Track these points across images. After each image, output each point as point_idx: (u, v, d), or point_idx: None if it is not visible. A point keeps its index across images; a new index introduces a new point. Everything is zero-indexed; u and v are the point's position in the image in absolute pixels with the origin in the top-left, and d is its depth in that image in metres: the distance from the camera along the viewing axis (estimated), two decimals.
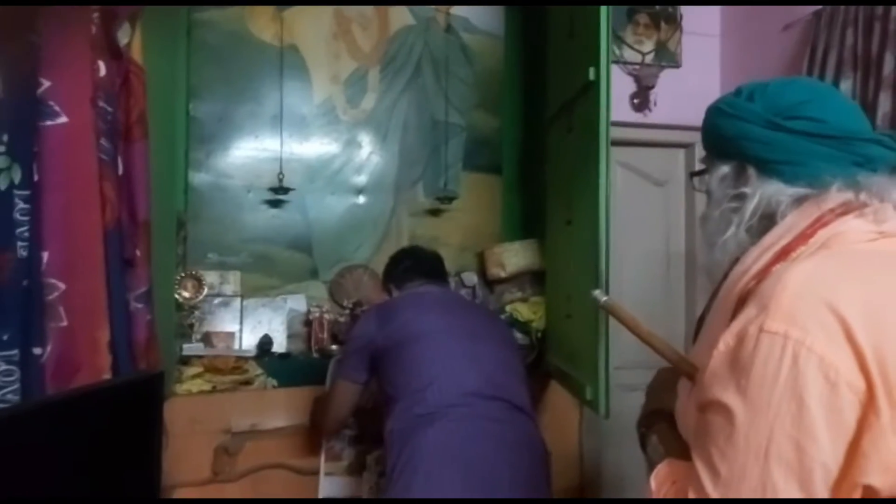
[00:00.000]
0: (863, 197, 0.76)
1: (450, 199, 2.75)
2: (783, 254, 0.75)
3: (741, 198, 0.83)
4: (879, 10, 2.13)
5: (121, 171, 1.49)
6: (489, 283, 2.75)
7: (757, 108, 0.82)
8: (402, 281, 1.99)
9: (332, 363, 2.18)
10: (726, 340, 0.69)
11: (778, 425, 0.63)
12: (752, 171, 0.82)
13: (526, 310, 2.57)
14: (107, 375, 1.41)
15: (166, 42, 2.06)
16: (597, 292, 1.04)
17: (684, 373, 0.84)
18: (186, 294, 2.36)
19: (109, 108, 1.44)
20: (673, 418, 0.88)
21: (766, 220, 0.80)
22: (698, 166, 0.96)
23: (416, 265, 2.02)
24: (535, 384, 2.41)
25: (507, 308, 2.61)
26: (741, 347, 0.67)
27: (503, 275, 2.66)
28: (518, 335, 2.51)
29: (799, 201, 0.79)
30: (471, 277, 2.76)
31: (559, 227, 2.26)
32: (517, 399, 1.72)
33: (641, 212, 3.00)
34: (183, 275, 2.37)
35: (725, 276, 0.82)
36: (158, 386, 1.34)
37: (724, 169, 0.86)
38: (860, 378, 0.62)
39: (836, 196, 0.76)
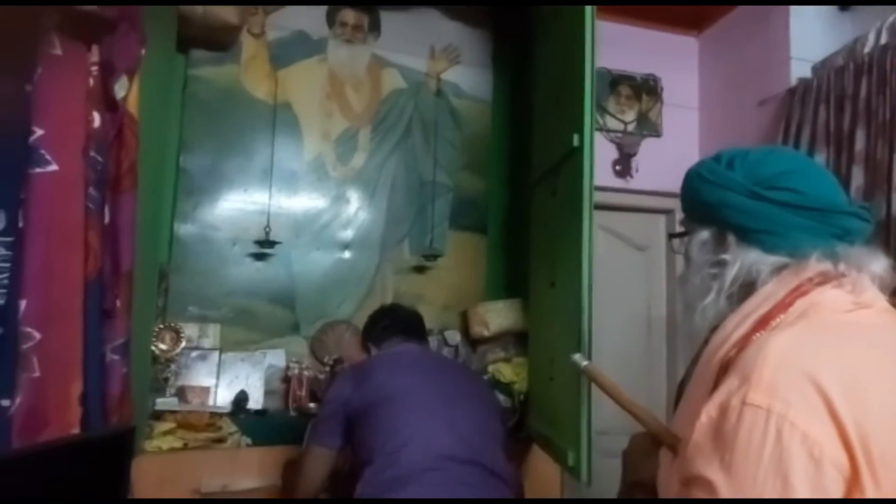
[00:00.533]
0: (841, 267, 0.77)
1: (435, 257, 2.77)
2: (763, 322, 0.75)
3: (721, 264, 0.83)
4: (850, 89, 2.24)
5: (107, 221, 1.49)
6: (472, 342, 2.73)
7: (738, 177, 0.84)
8: (381, 339, 1.97)
9: (312, 423, 2.13)
10: (709, 412, 0.69)
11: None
12: (732, 239, 0.83)
13: (509, 371, 2.54)
14: (76, 430, 1.37)
15: (161, 96, 2.09)
16: (577, 356, 1.03)
17: (666, 443, 0.82)
18: (164, 346, 2.32)
19: (100, 159, 1.45)
20: (654, 490, 0.86)
21: (746, 288, 0.81)
22: (678, 228, 0.97)
23: (395, 323, 2.01)
24: (517, 448, 2.36)
25: (490, 368, 2.59)
26: (724, 420, 0.66)
27: (486, 334, 2.65)
28: (500, 397, 2.48)
29: (778, 270, 0.80)
30: (454, 336, 2.74)
31: (543, 288, 2.27)
32: (493, 464, 1.67)
33: (623, 276, 3.04)
34: (161, 326, 2.33)
35: (706, 341, 0.82)
36: (129, 442, 1.30)
37: (705, 234, 0.87)
38: (843, 454, 0.61)
39: (815, 266, 0.77)
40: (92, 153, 1.42)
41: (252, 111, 2.62)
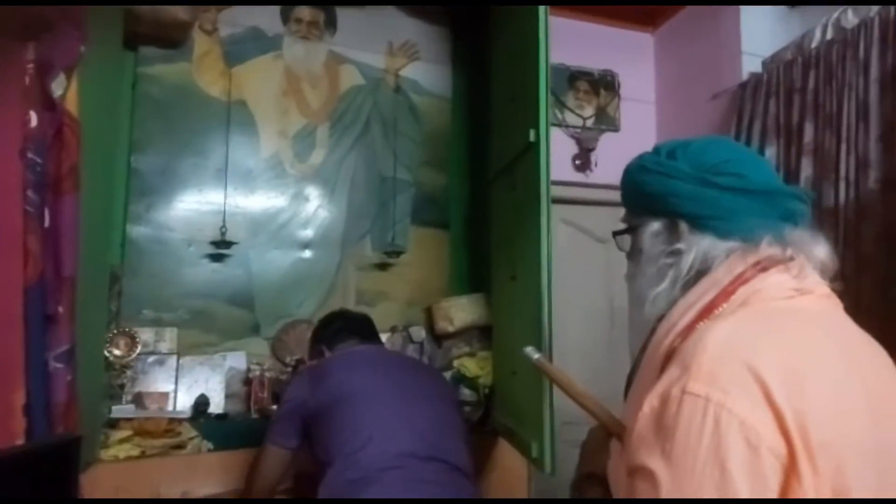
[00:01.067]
0: (790, 251, 0.78)
1: (397, 254, 2.75)
2: (706, 311, 0.76)
3: (676, 254, 0.83)
4: (798, 82, 2.30)
5: (47, 224, 1.43)
6: (437, 337, 2.73)
7: (682, 166, 0.84)
8: (334, 341, 1.95)
9: (270, 422, 2.10)
10: (651, 402, 0.69)
11: (703, 492, 0.62)
12: (684, 227, 0.83)
13: (473, 365, 2.55)
14: (20, 441, 1.32)
15: (108, 94, 2.03)
16: (528, 349, 1.03)
17: (615, 433, 0.83)
18: (118, 352, 2.25)
19: (39, 160, 1.39)
20: (607, 481, 0.86)
21: (698, 276, 0.81)
22: (620, 226, 0.97)
23: (347, 325, 2.00)
24: (483, 442, 2.37)
25: (455, 363, 2.59)
26: (665, 410, 0.67)
27: (451, 329, 2.65)
28: (465, 391, 2.49)
29: (732, 253, 0.80)
30: (419, 332, 2.73)
31: (504, 282, 2.28)
32: (455, 459, 1.67)
33: (585, 268, 3.07)
34: (115, 332, 2.27)
35: (653, 331, 0.82)
36: (75, 451, 1.25)
37: (655, 225, 0.87)
38: (781, 442, 0.61)
39: (765, 250, 0.78)
40: (30, 154, 1.36)
41: (206, 109, 2.56)
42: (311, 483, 1.82)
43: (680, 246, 0.83)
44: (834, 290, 0.81)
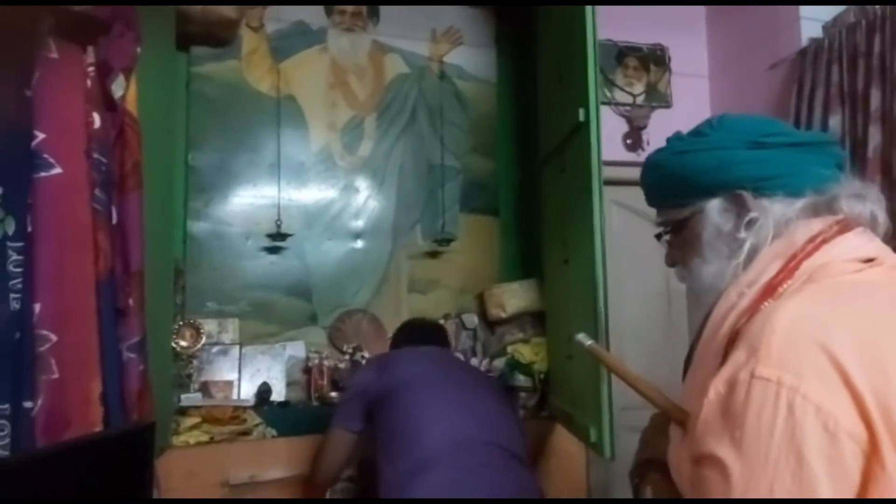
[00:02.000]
0: (869, 207, 0.76)
1: (448, 242, 2.76)
2: (769, 289, 0.72)
3: (751, 224, 0.78)
4: (863, 46, 2.18)
5: (115, 222, 1.50)
6: (490, 324, 2.73)
7: (723, 137, 0.81)
8: (406, 344, 2.03)
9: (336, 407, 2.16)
10: (717, 387, 0.66)
11: (778, 482, 0.59)
12: (748, 195, 0.79)
13: (528, 351, 2.54)
14: (98, 428, 1.39)
15: (164, 94, 2.10)
16: (581, 336, 1.00)
17: (675, 419, 0.80)
18: (184, 343, 2.35)
19: (104, 160, 1.46)
20: (667, 467, 0.83)
21: (752, 252, 0.78)
22: (656, 230, 0.92)
23: (420, 331, 2.11)
24: (539, 427, 2.37)
25: (509, 349, 2.59)
26: (732, 395, 0.64)
27: (503, 316, 2.64)
28: (520, 377, 2.48)
29: (808, 212, 0.76)
30: (471, 319, 2.74)
31: (557, 266, 2.26)
32: (513, 446, 1.69)
33: (640, 250, 2.99)
34: (181, 324, 2.36)
35: (709, 312, 0.78)
36: (150, 437, 1.31)
37: (717, 203, 0.82)
38: (861, 426, 0.58)
39: (845, 205, 0.75)
40: (95, 154, 1.43)
41: (256, 105, 2.62)
42: (374, 470, 1.87)
43: (754, 214, 0.78)
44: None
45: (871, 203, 0.78)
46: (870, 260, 0.72)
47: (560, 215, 2.20)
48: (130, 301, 1.50)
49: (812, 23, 2.50)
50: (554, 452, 2.39)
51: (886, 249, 0.75)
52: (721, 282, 0.79)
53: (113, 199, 1.49)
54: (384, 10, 2.82)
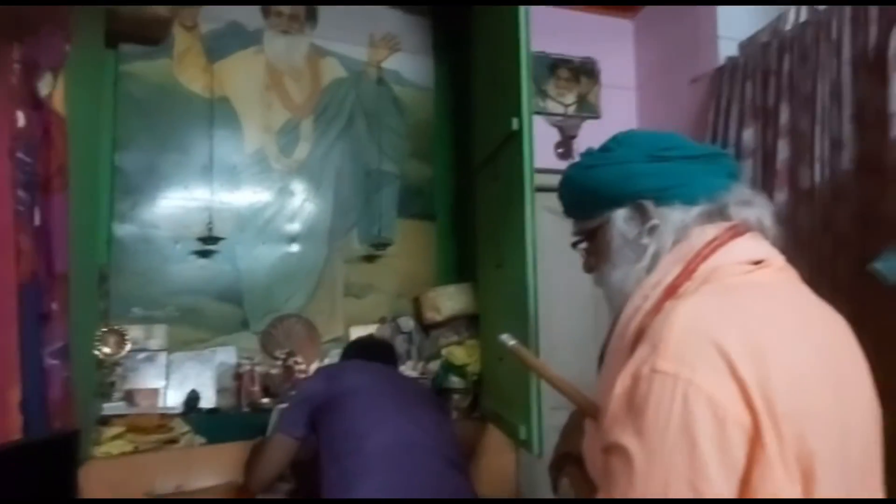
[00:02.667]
0: (755, 212, 0.83)
1: (384, 246, 2.78)
2: (671, 290, 0.78)
3: (653, 231, 0.85)
4: (774, 65, 2.34)
5: (38, 223, 1.44)
6: (425, 327, 2.76)
7: (627, 152, 0.88)
8: (355, 358, 2.05)
9: (275, 412, 2.13)
10: (623, 381, 0.71)
11: (674, 468, 0.64)
12: (650, 204, 0.85)
13: (462, 353, 2.58)
14: (17, 437, 1.33)
15: (91, 93, 2.02)
16: (504, 336, 1.04)
17: (589, 414, 0.85)
18: (108, 350, 2.26)
19: (28, 159, 1.40)
20: (583, 460, 0.88)
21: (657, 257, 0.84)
22: (572, 239, 0.99)
23: (368, 348, 2.13)
24: (472, 427, 2.41)
25: (443, 352, 2.62)
26: (636, 389, 0.69)
27: (439, 318, 2.68)
28: (454, 379, 2.52)
29: (703, 218, 0.83)
30: (407, 322, 2.76)
31: (491, 270, 2.31)
32: (453, 455, 1.75)
33: (571, 255, 3.07)
34: (105, 330, 2.27)
35: (619, 312, 0.83)
36: (74, 445, 1.27)
37: (623, 212, 0.88)
38: (746, 413, 0.64)
39: (735, 211, 0.83)
40: (19, 154, 1.37)
41: (188, 106, 2.56)
42: (309, 471, 1.86)
43: (654, 222, 0.85)
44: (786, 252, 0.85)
45: (759, 209, 0.85)
46: (759, 262, 0.80)
47: (494, 221, 2.26)
48: (54, 305, 1.45)
49: (729, 42, 2.67)
50: (486, 452, 2.44)
51: (774, 252, 0.83)
52: (628, 285, 0.85)
53: (37, 199, 1.43)
54: (322, 13, 2.82)
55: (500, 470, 2.46)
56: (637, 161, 0.87)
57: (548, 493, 1.01)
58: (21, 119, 1.37)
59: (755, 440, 0.63)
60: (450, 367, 2.54)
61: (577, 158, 2.97)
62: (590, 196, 0.92)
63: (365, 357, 2.03)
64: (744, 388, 0.64)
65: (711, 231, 0.82)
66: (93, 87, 2.05)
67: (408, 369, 2.63)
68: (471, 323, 2.68)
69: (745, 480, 0.63)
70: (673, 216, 0.84)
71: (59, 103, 1.49)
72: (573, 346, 2.89)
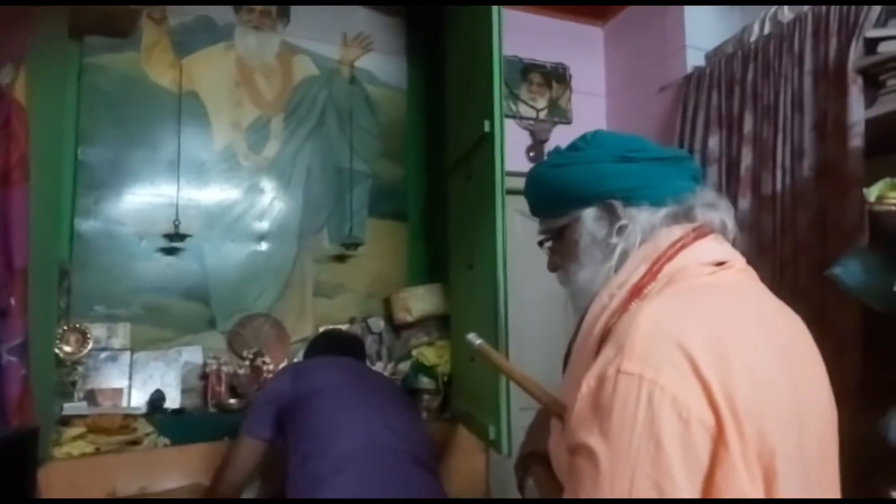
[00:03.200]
0: (720, 215, 0.85)
1: (355, 246, 2.76)
2: (636, 291, 0.79)
3: (621, 231, 0.86)
4: (738, 75, 2.40)
5: None
6: (396, 328, 2.75)
7: (597, 152, 0.89)
8: (321, 354, 2.01)
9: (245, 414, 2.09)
10: (588, 382, 0.72)
11: (639, 467, 0.65)
12: (618, 204, 0.87)
13: (432, 354, 2.59)
14: None
15: (54, 85, 1.96)
16: (471, 336, 1.04)
17: (555, 413, 0.85)
18: (68, 349, 2.20)
19: None
20: (549, 459, 0.89)
21: (624, 255, 0.85)
22: (538, 238, 0.99)
23: (334, 343, 2.08)
24: (442, 428, 2.42)
25: (414, 352, 2.62)
26: (601, 389, 0.69)
27: (409, 319, 2.67)
28: (424, 380, 2.52)
29: (669, 219, 0.85)
30: (377, 323, 2.75)
31: (462, 271, 2.32)
32: (423, 454, 1.72)
33: (542, 257, 3.11)
34: (65, 328, 2.21)
35: (584, 312, 0.84)
36: (33, 444, 1.23)
37: (591, 211, 0.89)
38: (709, 414, 0.65)
39: (699, 213, 0.85)
40: None
41: (156, 100, 2.51)
42: (279, 472, 1.83)
43: (623, 222, 0.86)
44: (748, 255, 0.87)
45: (722, 212, 0.88)
46: (721, 263, 0.81)
47: (465, 222, 2.26)
48: (12, 300, 1.40)
49: (696, 51, 2.73)
50: (456, 452, 2.44)
51: (736, 254, 0.85)
52: (594, 285, 0.86)
53: None
54: (294, 11, 2.80)
55: (470, 471, 2.46)
56: (606, 161, 0.88)
57: (517, 494, 1.01)
58: None
59: (718, 440, 0.65)
60: (420, 368, 2.54)
61: None
62: (558, 194, 0.92)
63: (333, 352, 1.99)
64: (707, 388, 0.65)
65: (677, 231, 0.83)
66: (56, 79, 1.99)
67: (378, 370, 2.62)
68: (441, 324, 2.68)
69: (709, 480, 0.64)
70: (641, 216, 0.85)
71: (20, 94, 1.45)
72: (542, 347, 2.91)
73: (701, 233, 0.83)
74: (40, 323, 1.74)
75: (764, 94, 2.30)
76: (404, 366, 2.62)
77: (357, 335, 2.31)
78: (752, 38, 2.41)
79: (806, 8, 2.16)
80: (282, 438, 1.75)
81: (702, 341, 0.68)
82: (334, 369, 1.86)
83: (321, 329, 2.58)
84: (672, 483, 0.64)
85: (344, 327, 2.70)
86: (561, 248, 0.95)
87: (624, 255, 0.85)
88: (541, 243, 1.00)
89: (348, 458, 1.58)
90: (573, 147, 0.92)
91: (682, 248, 0.81)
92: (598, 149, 0.90)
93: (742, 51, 2.43)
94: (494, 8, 1.93)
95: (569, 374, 0.86)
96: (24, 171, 1.47)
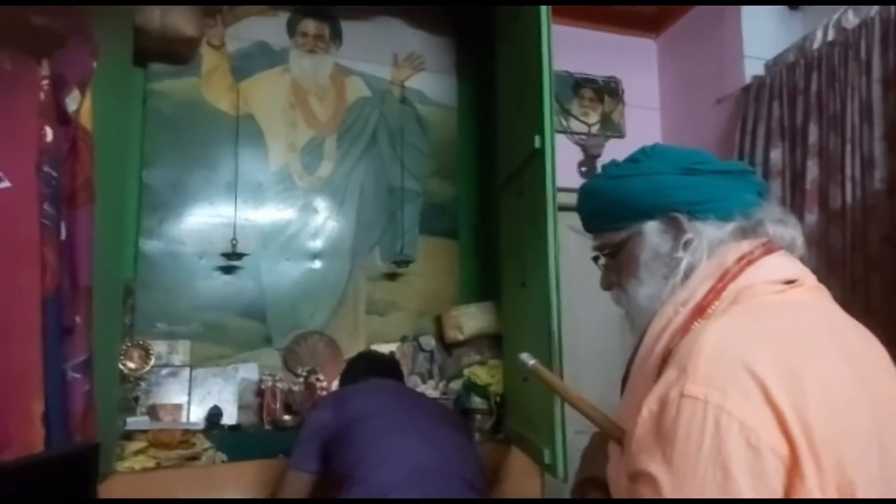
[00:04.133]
0: (779, 230, 0.80)
1: (407, 263, 2.77)
2: (699, 310, 0.75)
3: (687, 245, 0.81)
4: (801, 84, 2.30)
5: (63, 237, 1.46)
6: (447, 346, 2.74)
7: (659, 164, 0.85)
8: (359, 380, 1.98)
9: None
10: (649, 406, 0.68)
11: (705, 496, 0.61)
12: (683, 217, 0.82)
13: (484, 373, 2.55)
14: (39, 450, 1.33)
15: (119, 110, 2.06)
16: (524, 356, 1.00)
17: (613, 437, 0.81)
18: (132, 365, 2.27)
19: (54, 173, 1.42)
20: (606, 485, 0.84)
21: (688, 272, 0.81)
22: (592, 254, 0.95)
23: (372, 366, 2.08)
24: (495, 450, 2.37)
25: (466, 372, 2.59)
26: (664, 414, 0.66)
27: (461, 338, 2.65)
28: (476, 400, 2.49)
29: (737, 234, 0.80)
30: (428, 341, 2.74)
31: (514, 289, 2.29)
32: (471, 476, 1.68)
33: (595, 274, 3.05)
34: (129, 344, 2.29)
35: (644, 331, 0.80)
36: (94, 459, 1.27)
37: (654, 224, 0.85)
38: (782, 441, 0.61)
39: (770, 228, 0.80)
40: (45, 168, 1.39)
41: (215, 124, 2.60)
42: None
43: (689, 236, 0.81)
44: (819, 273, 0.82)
45: (791, 227, 0.83)
46: (791, 281, 0.76)
47: (517, 239, 2.24)
48: (77, 319, 1.46)
49: (755, 61, 2.64)
50: (510, 474, 2.39)
51: (806, 271, 0.80)
52: (655, 303, 0.82)
53: (62, 213, 1.45)
54: (347, 33, 2.85)
55: (525, 494, 2.40)
56: (670, 173, 0.84)
57: None
58: (49, 134, 1.40)
59: (793, 470, 0.60)
60: (472, 388, 2.51)
61: None
62: (617, 207, 0.88)
63: (372, 375, 1.98)
64: (779, 414, 0.61)
65: (746, 246, 0.79)
66: (121, 104, 2.09)
67: (429, 388, 2.61)
68: (493, 343, 2.64)
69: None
70: (707, 231, 0.81)
71: (86, 118, 1.52)
72: (597, 368, 2.83)
73: (769, 248, 0.79)
74: (105, 340, 1.81)
75: (829, 104, 2.20)
76: (456, 384, 2.59)
77: (390, 355, 2.28)
78: (815, 46, 2.32)
79: (872, 12, 2.06)
80: (328, 468, 1.74)
81: (770, 363, 0.63)
82: (375, 394, 1.84)
83: (374, 349, 2.58)
84: None
85: (395, 345, 2.70)
86: (618, 265, 0.90)
87: (689, 271, 0.80)
88: (595, 259, 0.95)
89: (395, 483, 1.55)
90: (633, 159, 0.88)
91: (749, 264, 0.77)
92: (661, 161, 0.85)
93: (805, 59, 2.33)
94: (544, 21, 1.93)
95: (627, 396, 0.82)
96: (90, 194, 1.54)
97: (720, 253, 0.79)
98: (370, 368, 2.04)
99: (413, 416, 1.77)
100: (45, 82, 1.41)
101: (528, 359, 0.99)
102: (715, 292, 0.76)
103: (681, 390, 0.65)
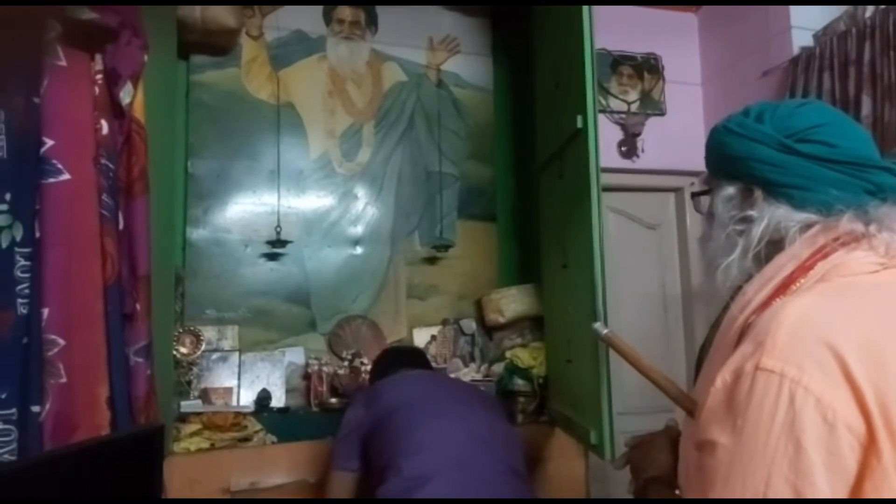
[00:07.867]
0: (872, 228, 0.73)
1: (446, 248, 2.78)
2: (783, 286, 0.73)
3: (748, 220, 0.80)
4: (853, 54, 2.22)
5: (122, 227, 1.51)
6: (488, 329, 2.75)
7: (767, 130, 0.80)
8: (387, 374, 1.98)
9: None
10: (723, 377, 0.67)
11: (775, 469, 0.60)
12: (759, 194, 0.80)
13: (526, 356, 2.56)
14: (105, 432, 1.39)
15: (166, 102, 2.11)
16: (597, 325, 1.03)
17: (685, 409, 0.82)
18: (184, 350, 2.35)
19: (111, 165, 1.48)
20: (668, 481, 0.85)
21: (772, 247, 0.78)
22: (700, 187, 0.94)
23: (399, 358, 2.08)
24: (539, 432, 2.38)
25: (508, 354, 2.60)
26: (737, 386, 0.65)
27: (502, 321, 2.66)
28: (519, 382, 2.50)
29: (806, 228, 0.76)
30: (469, 325, 2.76)
31: (555, 271, 2.28)
32: (511, 460, 1.67)
33: (636, 256, 3.04)
34: (181, 331, 2.36)
35: (726, 306, 0.79)
36: (159, 440, 1.32)
37: (730, 190, 0.84)
38: (859, 419, 0.59)
39: (846, 225, 0.73)
40: (103, 160, 1.44)
41: (256, 113, 2.64)
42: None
43: (752, 213, 0.80)
44: None
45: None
46: (886, 264, 0.72)
47: (558, 220, 2.22)
48: (138, 305, 1.52)
49: (803, 31, 2.55)
50: (554, 456, 2.40)
51: None
52: (717, 263, 0.82)
53: (120, 204, 1.50)
54: (382, 19, 2.86)
55: (569, 475, 2.41)
56: (766, 143, 0.80)
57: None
58: (105, 127, 1.45)
59: (869, 449, 0.59)
60: (514, 370, 2.52)
61: (641, 156, 2.90)
62: (716, 158, 0.88)
63: (399, 366, 1.98)
64: (858, 392, 0.60)
65: (819, 239, 0.75)
66: (168, 96, 2.14)
67: (471, 371, 2.62)
68: (534, 325, 2.64)
69: (857, 490, 0.59)
70: (775, 213, 0.78)
71: (139, 111, 1.57)
72: (641, 347, 2.81)
73: (844, 242, 0.74)
74: (161, 326, 1.87)
75: (884, 74, 2.12)
76: (497, 367, 2.60)
77: (417, 347, 2.29)
78: (868, 14, 2.23)
79: None
80: (369, 464, 1.75)
81: (853, 340, 0.62)
82: (407, 384, 1.84)
83: (415, 332, 2.60)
84: (813, 489, 0.59)
85: (436, 329, 2.72)
86: (707, 209, 0.90)
87: (746, 250, 0.79)
88: (694, 194, 0.95)
89: (433, 471, 1.55)
90: (758, 115, 0.84)
91: (842, 246, 0.73)
92: (769, 126, 0.81)
93: (856, 28, 2.24)
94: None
95: (705, 370, 0.81)
96: (145, 184, 1.59)
97: (786, 241, 0.77)
98: (397, 360, 2.05)
99: (447, 400, 1.77)
100: (98, 76, 1.46)
101: (601, 328, 1.02)
102: (802, 269, 0.73)
103: (756, 363, 0.64)
